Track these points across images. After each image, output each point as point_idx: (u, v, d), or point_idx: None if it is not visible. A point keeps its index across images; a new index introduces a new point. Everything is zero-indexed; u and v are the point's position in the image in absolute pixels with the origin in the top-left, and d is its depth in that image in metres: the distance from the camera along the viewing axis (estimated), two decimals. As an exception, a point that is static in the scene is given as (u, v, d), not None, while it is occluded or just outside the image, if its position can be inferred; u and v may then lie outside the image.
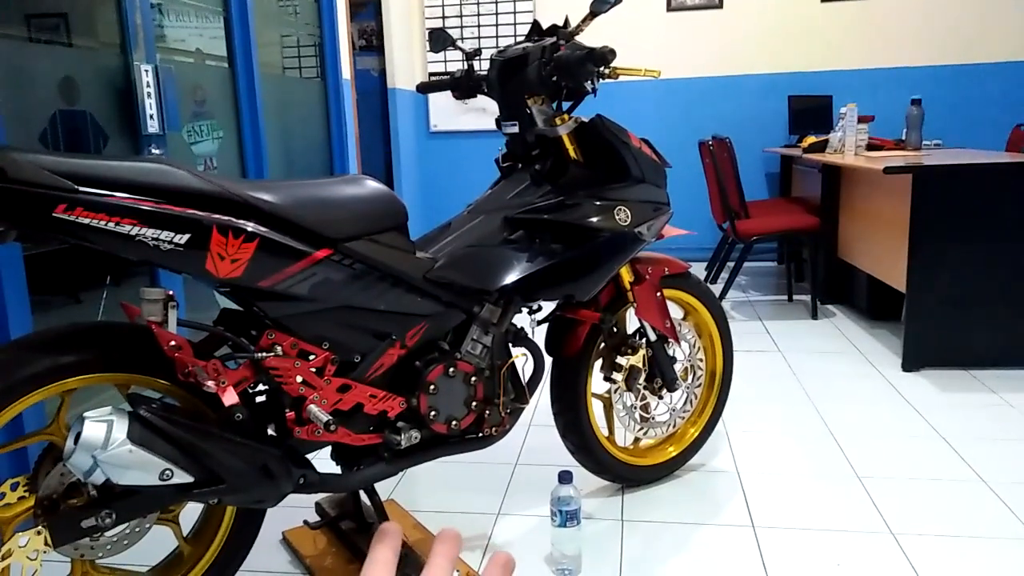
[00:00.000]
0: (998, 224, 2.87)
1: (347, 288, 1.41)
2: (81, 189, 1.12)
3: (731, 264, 4.52)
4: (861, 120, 4.14)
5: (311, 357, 1.38)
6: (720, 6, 5.26)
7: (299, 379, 1.37)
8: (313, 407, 1.38)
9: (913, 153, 3.87)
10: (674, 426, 2.18)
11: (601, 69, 1.74)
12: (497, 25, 5.39)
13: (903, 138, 4.18)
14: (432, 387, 1.56)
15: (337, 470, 1.56)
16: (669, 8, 5.31)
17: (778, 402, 2.77)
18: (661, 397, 2.09)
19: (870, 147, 4.19)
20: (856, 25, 5.17)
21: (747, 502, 2.05)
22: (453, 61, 5.40)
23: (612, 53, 1.68)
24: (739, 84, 5.34)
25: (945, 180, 2.89)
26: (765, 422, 2.59)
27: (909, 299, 2.98)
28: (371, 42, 5.75)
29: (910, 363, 3.02)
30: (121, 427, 1.18)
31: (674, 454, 2.17)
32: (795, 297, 4.32)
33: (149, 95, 2.57)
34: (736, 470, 2.24)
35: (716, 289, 4.25)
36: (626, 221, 1.77)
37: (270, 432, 1.41)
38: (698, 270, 4.71)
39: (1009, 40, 5.03)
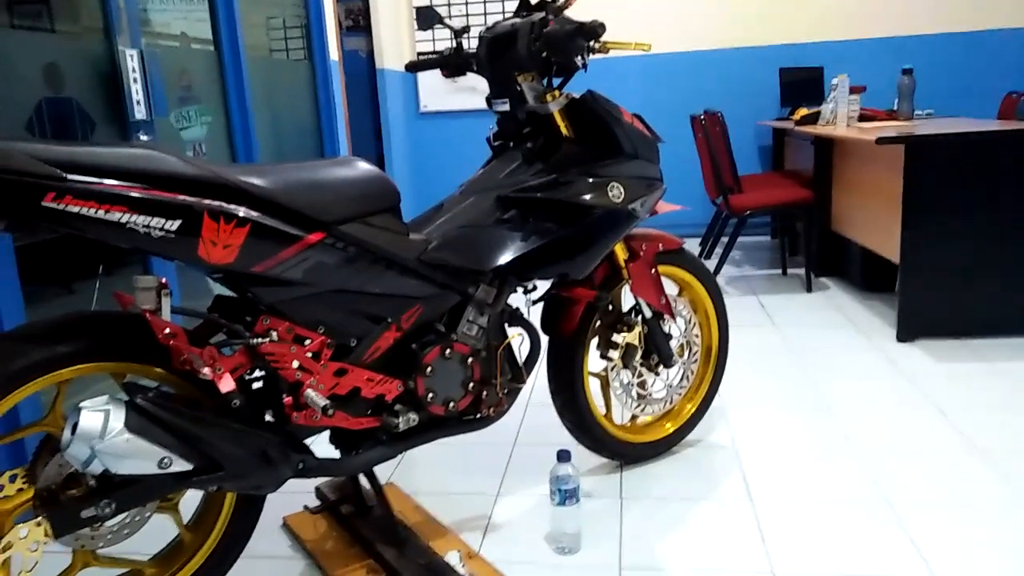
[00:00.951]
0: (990, 193, 2.87)
1: (341, 271, 1.40)
2: (69, 177, 1.10)
3: (725, 239, 4.52)
4: (853, 91, 4.12)
5: (307, 342, 1.38)
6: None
7: (295, 364, 1.37)
8: (310, 392, 1.38)
9: (905, 123, 3.86)
10: (671, 402, 2.19)
11: (591, 43, 1.73)
12: (485, 2, 5.33)
13: (895, 108, 4.17)
14: (429, 369, 1.56)
15: (336, 454, 1.56)
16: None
17: (774, 376, 2.78)
18: (658, 374, 2.10)
19: (862, 118, 4.17)
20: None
21: (745, 477, 2.06)
22: (442, 40, 5.35)
23: (602, 27, 1.66)
24: (730, 57, 5.31)
25: (937, 150, 2.89)
26: (761, 396, 2.60)
27: (903, 270, 2.99)
28: (358, 22, 5.69)
29: (905, 334, 3.03)
30: (118, 416, 1.17)
31: (671, 430, 2.18)
32: (789, 271, 4.32)
33: (135, 80, 2.54)
34: (733, 445, 2.25)
35: (710, 264, 4.25)
36: (619, 198, 1.76)
37: (268, 418, 1.41)
38: (692, 246, 4.70)
39: (999, 7, 5.00)
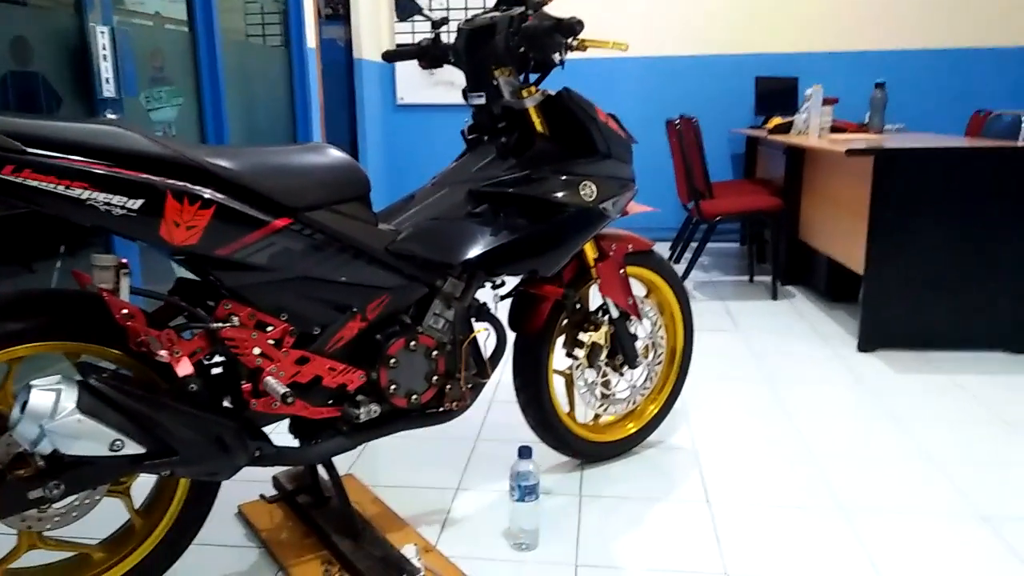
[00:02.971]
0: (954, 209, 2.93)
1: (307, 258, 1.38)
2: (30, 151, 1.08)
3: (695, 244, 4.55)
4: (826, 102, 4.18)
5: (269, 328, 1.36)
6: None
7: (256, 350, 1.35)
8: (270, 379, 1.36)
9: (875, 136, 3.92)
10: (634, 403, 2.20)
11: (569, 41, 1.73)
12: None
13: (866, 121, 4.23)
14: (393, 360, 1.55)
15: (295, 443, 1.54)
16: (640, -15, 5.28)
17: (736, 381, 2.80)
18: (622, 374, 2.11)
19: (834, 129, 4.23)
20: (823, 7, 5.21)
21: (703, 479, 2.08)
22: (421, 32, 5.32)
23: (580, 24, 1.67)
24: (707, 64, 5.35)
25: (905, 164, 2.94)
26: (723, 401, 2.62)
27: (866, 281, 3.04)
28: (337, 11, 5.64)
29: (866, 344, 3.08)
30: (70, 396, 1.15)
31: (633, 431, 2.19)
32: (756, 278, 4.37)
33: (105, 58, 2.49)
34: (694, 447, 2.27)
35: (679, 268, 4.28)
36: (591, 196, 1.77)
37: (225, 404, 1.39)
38: (662, 249, 4.74)
39: (972, 27, 5.11)
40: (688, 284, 4.21)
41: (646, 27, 5.31)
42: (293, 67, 4.09)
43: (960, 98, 5.15)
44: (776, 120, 4.52)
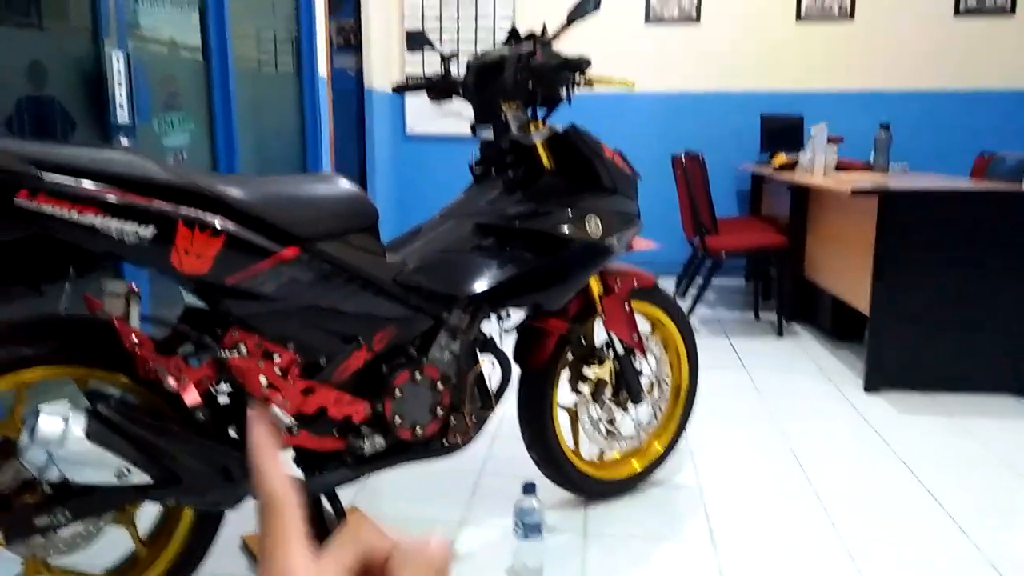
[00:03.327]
0: (960, 249, 2.94)
1: (315, 288, 1.39)
2: (44, 176, 1.09)
3: (700, 280, 4.56)
4: (831, 141, 4.21)
5: (275, 358, 1.36)
6: (697, 20, 5.32)
7: (262, 380, 1.35)
8: (276, 409, 1.36)
9: (880, 176, 3.94)
10: (639, 440, 2.19)
11: (576, 77, 1.75)
12: (476, 29, 5.39)
13: (871, 161, 4.26)
14: (398, 392, 1.54)
15: (299, 474, 1.53)
16: (647, 20, 5.35)
17: (741, 419, 2.79)
18: (627, 410, 2.10)
19: (839, 168, 4.26)
20: (829, 47, 5.26)
21: (708, 518, 2.06)
22: (431, 65, 5.39)
23: (587, 62, 1.69)
24: (713, 101, 5.40)
25: (910, 204, 2.95)
26: (728, 438, 2.61)
27: (872, 321, 3.03)
28: (349, 40, 5.71)
29: (872, 384, 3.07)
30: (78, 423, 1.15)
31: (638, 468, 2.18)
32: (761, 315, 4.37)
33: (119, 83, 2.52)
34: (699, 485, 2.25)
35: (684, 304, 4.28)
36: (597, 232, 1.78)
37: (231, 433, 1.39)
38: (667, 284, 4.74)
39: (977, 69, 5.16)
40: (693, 320, 4.21)
41: (654, 64, 5.37)
42: (304, 96, 4.14)
43: (964, 140, 5.18)
44: (781, 158, 4.55)
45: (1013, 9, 5.08)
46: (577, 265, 1.79)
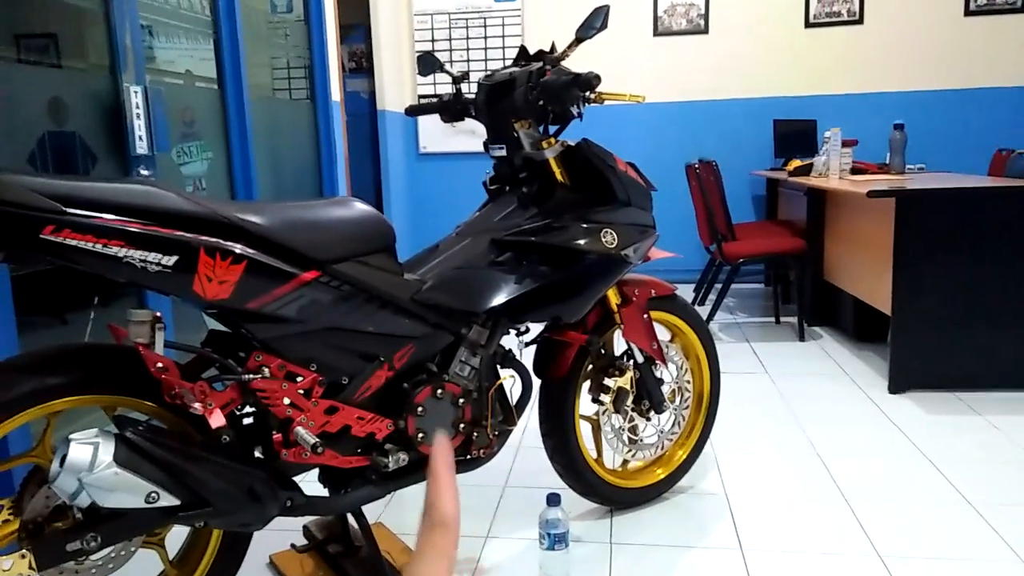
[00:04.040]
0: (980, 247, 2.91)
1: (335, 310, 1.41)
2: (69, 211, 1.12)
3: (719, 286, 4.55)
4: (845, 144, 4.19)
5: (298, 379, 1.38)
6: (706, 31, 5.34)
7: (286, 401, 1.37)
8: (300, 429, 1.38)
9: (896, 177, 3.92)
10: (662, 448, 2.19)
11: (586, 94, 1.77)
12: (486, 49, 5.44)
13: (887, 162, 4.24)
14: (420, 409, 1.56)
15: (324, 493, 1.55)
16: (656, 33, 5.37)
17: (766, 424, 2.77)
18: (649, 419, 2.10)
19: (854, 171, 4.24)
20: (840, 51, 5.25)
21: (735, 524, 2.05)
22: (442, 84, 5.44)
23: (597, 78, 1.71)
24: (726, 108, 5.40)
25: (928, 204, 2.93)
26: (753, 444, 2.59)
27: (894, 321, 3.01)
28: (361, 64, 5.79)
29: (896, 385, 3.04)
30: (107, 449, 1.17)
31: (662, 476, 2.17)
32: (782, 319, 4.34)
33: (138, 116, 2.57)
34: (724, 492, 2.24)
35: (704, 311, 4.27)
36: (613, 243, 1.79)
37: (257, 455, 1.41)
38: (686, 292, 4.73)
39: (990, 66, 5.12)
40: (713, 326, 4.19)
41: (665, 75, 5.38)
42: (319, 120, 4.20)
43: (980, 137, 5.14)
44: (796, 162, 4.54)
45: (1021, 7, 5.05)
46: (594, 277, 1.80)
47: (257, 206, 1.34)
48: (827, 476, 2.33)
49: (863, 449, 2.52)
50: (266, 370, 1.35)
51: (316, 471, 1.57)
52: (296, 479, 1.46)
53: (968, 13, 5.10)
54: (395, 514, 2.15)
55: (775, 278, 4.46)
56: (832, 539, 1.96)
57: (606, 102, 1.82)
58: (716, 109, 5.41)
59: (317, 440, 1.36)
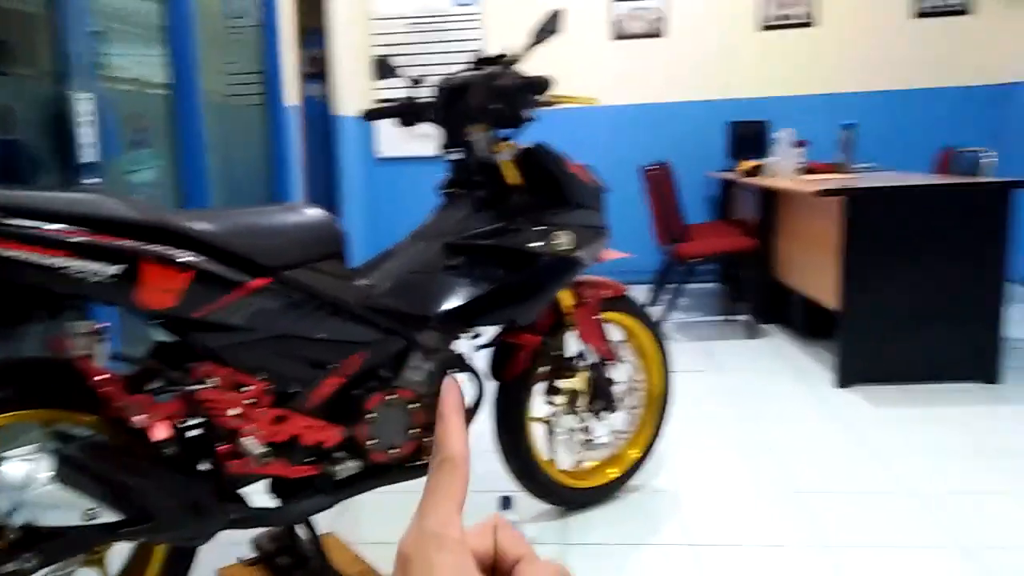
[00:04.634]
0: (924, 243, 2.99)
1: (285, 317, 1.40)
2: (7, 221, 1.10)
3: (674, 285, 4.60)
4: (796, 144, 4.27)
5: (246, 388, 1.37)
6: (662, 34, 5.39)
7: (233, 411, 1.36)
8: (247, 439, 1.37)
9: (846, 176, 4.00)
10: (615, 448, 2.21)
11: (538, 97, 1.78)
12: (446, 53, 5.43)
13: (837, 161, 4.33)
14: (371, 415, 1.55)
15: (274, 503, 1.54)
16: (613, 36, 5.42)
17: (717, 421, 2.82)
18: (602, 419, 2.12)
19: (806, 171, 4.32)
20: (792, 54, 5.35)
21: (687, 521, 2.08)
22: (398, 88, 5.42)
23: (548, 81, 1.72)
24: (682, 110, 5.47)
25: (875, 202, 3.01)
26: (704, 441, 2.63)
27: (841, 318, 3.08)
28: (317, 69, 5.74)
29: (843, 380, 3.11)
30: (44, 466, 1.15)
31: (616, 476, 2.20)
32: (734, 317, 4.41)
33: (86, 123, 2.53)
34: (676, 489, 2.27)
35: (659, 311, 4.32)
36: (565, 245, 1.80)
37: (202, 467, 1.39)
38: (641, 292, 4.78)
39: (936, 67, 5.26)
40: (669, 326, 4.24)
41: (622, 78, 5.43)
42: (272, 126, 4.15)
43: (928, 136, 5.28)
44: (748, 163, 4.61)
45: (967, 10, 5.20)
46: (547, 279, 1.82)
47: (205, 213, 1.33)
48: (777, 470, 2.37)
49: (812, 443, 2.57)
50: (212, 380, 1.34)
51: (265, 482, 1.56)
52: (245, 490, 1.44)
53: (916, 15, 5.23)
54: (347, 523, 2.14)
55: (727, 277, 4.53)
56: (781, 532, 2.00)
57: (559, 105, 1.84)
58: (672, 111, 5.47)
59: (265, 450, 1.35)
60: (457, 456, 0.35)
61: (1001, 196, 2.96)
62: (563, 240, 1.80)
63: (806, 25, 5.32)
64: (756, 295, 4.16)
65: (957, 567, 1.81)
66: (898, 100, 5.33)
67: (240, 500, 1.42)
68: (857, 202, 3.02)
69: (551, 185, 1.84)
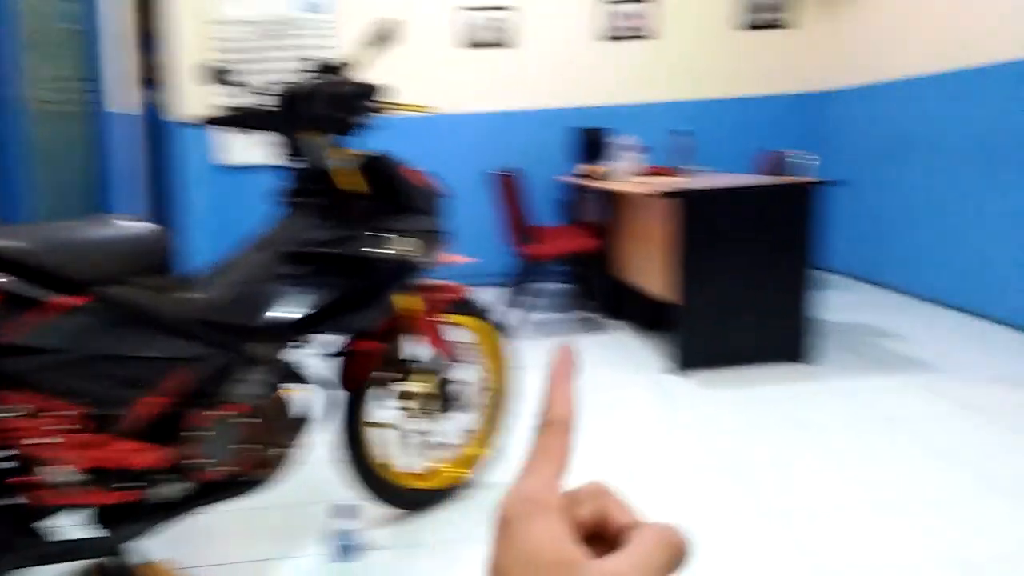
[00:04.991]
0: (749, 238, 3.25)
1: (100, 336, 1.35)
2: None
3: (530, 287, 4.72)
4: (636, 150, 4.50)
5: (61, 414, 1.31)
6: (511, 44, 5.53)
7: (45, 440, 1.29)
8: (58, 468, 1.30)
9: (682, 179, 4.25)
10: (462, 448, 2.26)
11: (372, 104, 1.81)
12: (292, 60, 5.32)
13: (674, 165, 4.59)
14: (198, 433, 1.50)
15: (95, 532, 1.46)
16: (463, 45, 5.49)
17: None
18: (450, 420, 2.16)
19: (645, 174, 4.56)
20: (634, 64, 5.63)
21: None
22: (241, 96, 5.25)
23: (382, 89, 1.75)
24: (531, 118, 5.62)
25: (706, 202, 3.23)
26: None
27: (678, 310, 3.28)
28: (155, 76, 5.47)
29: (681, 367, 3.32)
30: None
31: (462, 475, 2.24)
32: (583, 315, 4.58)
33: None
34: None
35: (514, 311, 4.41)
36: (404, 251, 1.83)
37: (10, 499, 1.30)
38: (498, 294, 4.88)
39: (762, 77, 5.69)
40: (519, 325, 4.35)
41: (473, 86, 5.52)
42: (97, 134, 3.94)
43: (755, 141, 5.69)
44: (593, 168, 4.81)
45: (789, 24, 5.66)
46: (385, 285, 1.84)
47: (13, 229, 1.26)
48: (614, 456, 2.50)
49: (648, 427, 2.73)
50: (20, 406, 1.27)
51: (84, 510, 1.48)
52: (64, 519, 1.37)
53: (743, 28, 5.64)
54: (176, 545, 2.04)
55: (576, 277, 4.70)
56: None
57: (395, 112, 1.87)
58: (523, 119, 5.62)
59: (80, 478, 1.29)
60: (563, 420, 0.34)
61: (810, 194, 3.26)
62: (400, 245, 1.83)
63: (647, 38, 5.62)
64: (602, 293, 4.34)
65: (768, 530, 1.99)
66: (729, 108, 5.72)
67: (47, 533, 1.33)
68: (691, 203, 3.23)
69: (390, 192, 1.87)
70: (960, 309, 4.20)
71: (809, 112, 5.76)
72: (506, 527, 0.31)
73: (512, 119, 5.60)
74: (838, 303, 4.57)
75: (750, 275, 3.27)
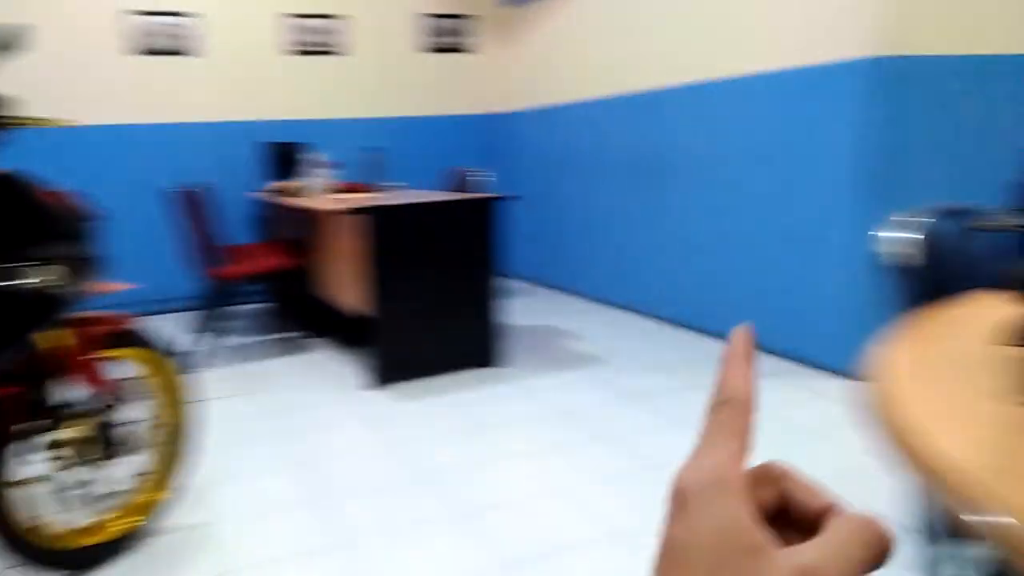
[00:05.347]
0: (437, 251, 3.40)
1: None
2: None
3: (221, 310, 4.47)
4: (328, 165, 4.47)
5: None
6: (193, 53, 5.19)
7: None
8: None
9: (375, 195, 4.31)
10: (133, 494, 2.07)
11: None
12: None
13: (368, 181, 4.64)
14: None
15: None
16: (132, 52, 5.04)
17: (257, 443, 2.82)
18: (114, 466, 1.97)
19: (339, 190, 4.55)
20: (325, 79, 5.60)
21: (225, 552, 2.05)
22: None
23: (7, 101, 1.56)
24: (216, 130, 5.33)
25: (394, 217, 3.31)
26: (242, 466, 2.61)
27: (374, 325, 3.33)
28: None
29: (377, 382, 3.37)
30: None
31: (135, 524, 2.06)
32: (285, 335, 4.45)
33: None
34: (213, 521, 2.22)
35: (207, 336, 4.16)
36: (42, 281, 1.64)
37: None
38: (181, 320, 4.56)
39: (445, 97, 5.97)
40: (209, 351, 4.11)
41: (147, 95, 5.09)
42: None
43: (442, 157, 5.95)
44: (285, 183, 4.69)
45: (469, 49, 6.00)
46: (23, 320, 1.63)
47: None
48: (314, 478, 2.47)
49: (347, 446, 2.74)
50: None
51: None
52: None
53: (427, 50, 5.86)
54: None
55: (277, 296, 4.56)
56: (318, 538, 2.09)
57: (26, 126, 1.66)
58: (208, 131, 5.31)
59: None
60: (742, 397, 0.32)
61: (491, 208, 3.49)
62: (39, 275, 1.64)
63: (336, 53, 5.61)
64: (302, 312, 4.26)
65: (452, 532, 2.09)
66: (417, 125, 5.93)
67: None
68: (379, 219, 3.28)
69: (25, 217, 1.66)
70: (623, 307, 4.77)
71: (489, 131, 6.18)
72: (684, 503, 0.29)
73: (195, 131, 5.28)
74: (523, 308, 4.94)
75: (439, 287, 3.41)
